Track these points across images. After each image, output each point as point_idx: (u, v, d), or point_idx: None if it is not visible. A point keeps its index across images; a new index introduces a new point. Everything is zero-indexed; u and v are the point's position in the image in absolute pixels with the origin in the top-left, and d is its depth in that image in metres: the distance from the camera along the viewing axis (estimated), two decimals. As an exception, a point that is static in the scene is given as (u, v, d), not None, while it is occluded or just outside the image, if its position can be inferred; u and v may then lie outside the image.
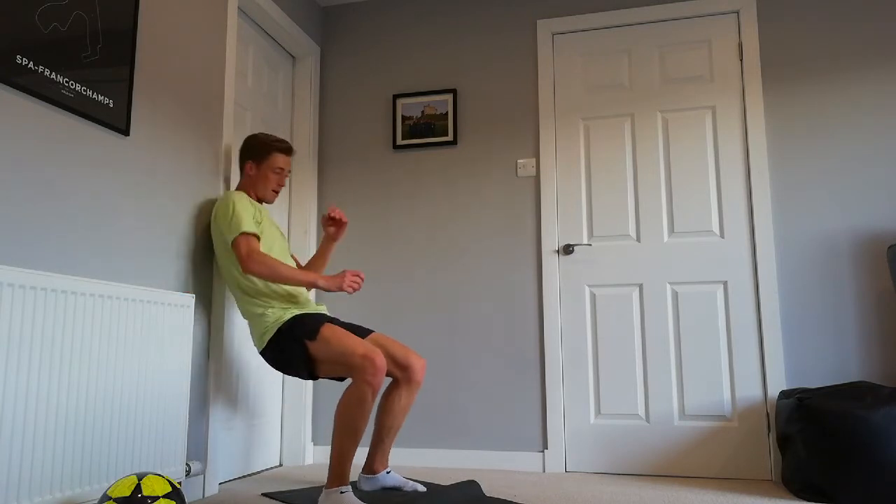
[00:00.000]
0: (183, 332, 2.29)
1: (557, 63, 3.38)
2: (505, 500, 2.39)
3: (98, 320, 1.93)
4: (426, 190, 3.47)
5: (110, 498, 1.65)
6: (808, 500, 2.46)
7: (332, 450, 2.27)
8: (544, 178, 3.30)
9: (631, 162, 3.24)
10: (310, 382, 3.38)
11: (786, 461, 2.64)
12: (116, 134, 2.20)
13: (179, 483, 2.28)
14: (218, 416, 2.65)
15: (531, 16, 3.45)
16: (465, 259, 3.37)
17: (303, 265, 2.86)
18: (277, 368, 2.47)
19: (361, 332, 2.58)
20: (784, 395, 2.73)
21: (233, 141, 2.99)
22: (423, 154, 3.50)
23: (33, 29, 1.88)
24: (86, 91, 2.05)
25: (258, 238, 2.44)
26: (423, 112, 3.50)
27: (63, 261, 1.97)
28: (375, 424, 2.58)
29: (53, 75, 1.94)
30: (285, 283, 2.37)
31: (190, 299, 2.33)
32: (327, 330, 2.35)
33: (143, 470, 2.08)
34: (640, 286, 3.14)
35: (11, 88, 1.82)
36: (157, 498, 1.66)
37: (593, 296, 3.20)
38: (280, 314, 2.42)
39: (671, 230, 3.15)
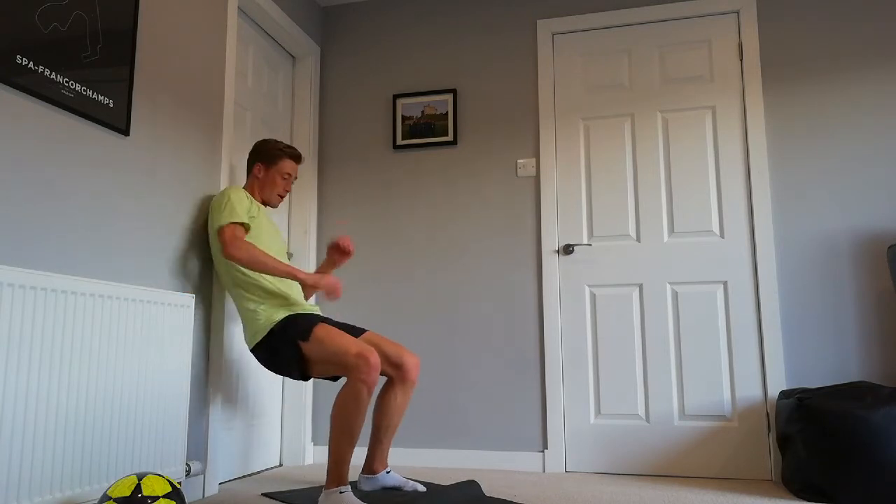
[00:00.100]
0: (183, 332, 2.29)
1: (557, 63, 3.38)
2: (505, 500, 2.39)
3: (98, 320, 1.93)
4: (426, 190, 3.47)
5: (110, 498, 1.65)
6: (808, 500, 2.46)
7: (329, 451, 2.26)
8: (544, 178, 3.30)
9: (631, 162, 3.24)
10: (310, 382, 3.38)
11: (786, 461, 2.64)
12: (116, 134, 2.20)
13: (179, 483, 2.28)
14: (218, 416, 2.65)
15: (531, 16, 3.45)
16: (465, 259, 3.37)
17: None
18: (269, 368, 2.48)
19: (355, 331, 2.59)
20: (784, 395, 2.73)
21: (233, 141, 2.99)
22: (423, 154, 3.50)
23: (33, 29, 1.88)
24: (86, 91, 2.05)
25: (246, 229, 2.45)
26: (423, 112, 3.50)
27: (63, 261, 1.97)
28: (372, 425, 2.58)
29: (53, 75, 1.94)
30: (265, 271, 2.37)
31: (190, 299, 2.33)
32: (321, 330, 2.35)
33: (143, 470, 2.08)
34: (640, 286, 3.14)
35: (11, 88, 1.82)
36: (157, 498, 1.66)
37: (593, 296, 3.20)
38: (272, 313, 2.42)
39: (671, 230, 3.15)
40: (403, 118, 3.52)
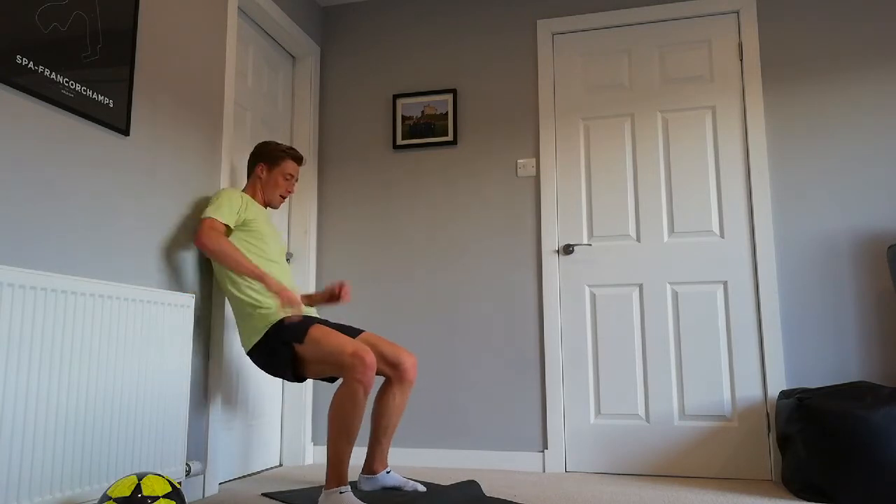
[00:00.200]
0: (183, 332, 2.29)
1: (557, 63, 3.38)
2: (505, 500, 2.39)
3: (98, 320, 1.93)
4: (426, 190, 3.47)
5: (110, 498, 1.65)
6: (808, 500, 2.46)
7: (328, 451, 2.26)
8: (544, 178, 3.30)
9: (631, 162, 3.24)
10: (309, 382, 3.38)
11: (786, 461, 2.64)
12: (116, 134, 2.20)
13: (179, 483, 2.28)
14: (218, 416, 2.65)
15: (531, 16, 3.45)
16: (465, 259, 3.37)
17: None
18: (266, 371, 2.47)
19: (351, 332, 2.58)
20: (784, 395, 2.73)
21: (233, 141, 2.99)
22: (423, 154, 3.50)
23: (33, 29, 1.88)
24: (86, 91, 2.05)
25: (227, 232, 2.45)
26: (423, 112, 3.50)
27: (63, 261, 1.97)
28: (371, 425, 2.58)
29: (53, 75, 1.94)
30: (231, 267, 2.36)
31: (190, 299, 2.33)
32: (316, 331, 2.34)
33: (143, 470, 2.08)
34: (640, 286, 3.14)
35: (11, 88, 1.82)
36: (157, 498, 1.66)
37: (593, 296, 3.20)
38: (267, 316, 2.42)
39: (671, 230, 3.15)
40: (403, 118, 3.52)
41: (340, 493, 2.22)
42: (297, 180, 2.75)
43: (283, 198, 2.72)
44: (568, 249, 3.22)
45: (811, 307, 2.95)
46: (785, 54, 3.12)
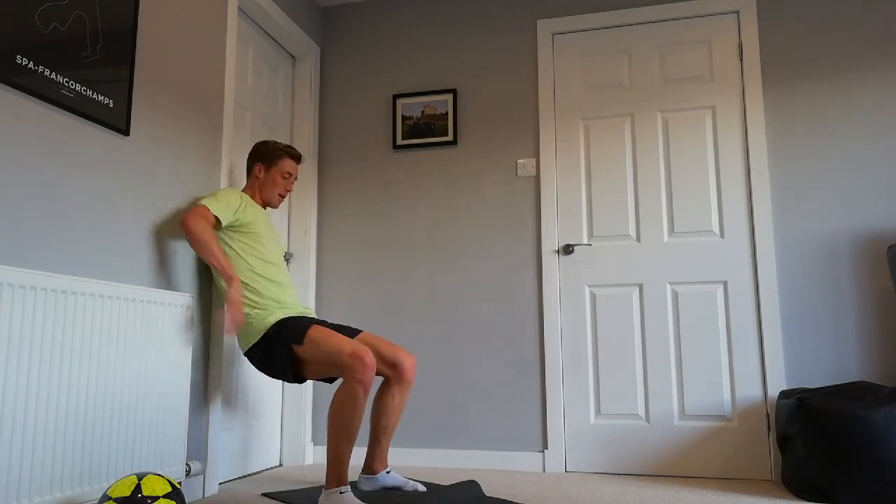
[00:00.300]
0: (183, 332, 2.29)
1: (557, 63, 3.38)
2: (505, 500, 2.39)
3: (98, 320, 1.93)
4: (426, 190, 3.47)
5: (110, 498, 1.65)
6: (808, 500, 2.46)
7: (328, 451, 2.26)
8: (544, 178, 3.30)
9: (631, 162, 3.24)
10: (309, 382, 3.38)
11: (786, 461, 2.64)
12: (116, 134, 2.20)
13: (179, 483, 2.28)
14: (217, 417, 2.65)
15: (531, 16, 3.45)
16: (465, 259, 3.37)
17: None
18: (264, 372, 2.47)
19: (350, 332, 2.58)
20: (784, 395, 2.73)
21: (233, 141, 2.99)
22: (423, 154, 3.50)
23: (33, 29, 1.88)
24: (86, 91, 2.05)
25: (218, 226, 2.43)
26: (423, 112, 3.50)
27: (63, 261, 1.97)
28: (371, 425, 2.58)
29: (53, 75, 1.94)
30: (203, 254, 2.33)
31: (190, 299, 2.33)
32: (315, 331, 2.34)
33: (143, 470, 2.08)
34: (640, 286, 3.14)
35: (11, 88, 1.82)
36: (157, 498, 1.66)
37: (593, 296, 3.20)
38: (265, 317, 2.41)
39: (671, 230, 3.15)
40: (403, 118, 3.52)
41: (340, 493, 2.22)
42: (295, 179, 2.74)
43: (282, 197, 2.72)
44: (568, 249, 3.22)
45: (811, 307, 2.95)
46: (785, 54, 3.12)
